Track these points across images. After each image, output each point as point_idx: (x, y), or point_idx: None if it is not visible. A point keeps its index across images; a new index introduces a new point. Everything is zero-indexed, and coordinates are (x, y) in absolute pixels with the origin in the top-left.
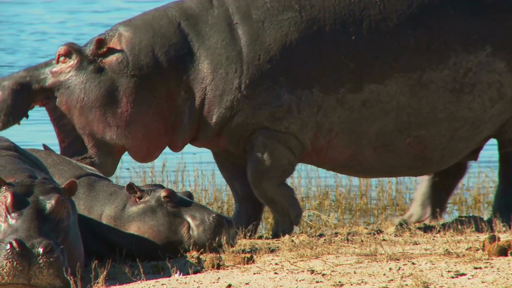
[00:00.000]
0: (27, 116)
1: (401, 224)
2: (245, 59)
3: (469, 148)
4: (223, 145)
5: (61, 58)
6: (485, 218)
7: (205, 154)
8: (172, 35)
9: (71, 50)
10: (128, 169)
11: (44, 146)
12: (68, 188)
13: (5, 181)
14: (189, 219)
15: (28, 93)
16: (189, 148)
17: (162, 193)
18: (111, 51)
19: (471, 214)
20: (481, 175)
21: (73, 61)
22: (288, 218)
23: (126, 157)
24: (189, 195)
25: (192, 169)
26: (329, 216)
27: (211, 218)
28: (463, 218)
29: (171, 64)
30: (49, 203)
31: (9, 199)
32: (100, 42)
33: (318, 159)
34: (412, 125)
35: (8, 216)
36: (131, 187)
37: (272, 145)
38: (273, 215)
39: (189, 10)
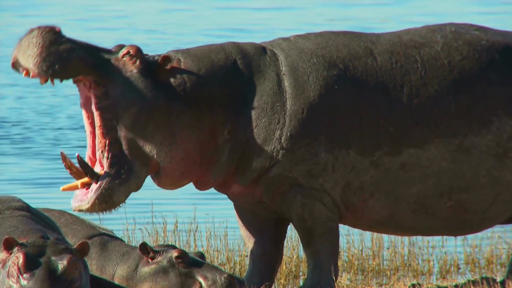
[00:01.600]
0: (60, 79)
1: (413, 285)
2: (289, 111)
3: (510, 211)
4: (258, 195)
5: (126, 57)
6: (498, 279)
7: (218, 214)
8: (228, 70)
9: (141, 53)
10: (140, 229)
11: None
12: (80, 249)
13: (17, 242)
14: (201, 280)
15: (85, 64)
16: (201, 208)
17: (174, 254)
18: (173, 71)
19: (484, 275)
20: (494, 236)
21: (137, 64)
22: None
23: (139, 218)
24: (201, 255)
25: (205, 229)
26: (341, 276)
27: (223, 279)
28: (476, 279)
29: (222, 101)
30: (61, 264)
31: (21, 260)
32: (167, 59)
33: (355, 219)
34: (453, 190)
35: (20, 277)
36: (144, 247)
37: (310, 203)
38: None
39: (245, 51)
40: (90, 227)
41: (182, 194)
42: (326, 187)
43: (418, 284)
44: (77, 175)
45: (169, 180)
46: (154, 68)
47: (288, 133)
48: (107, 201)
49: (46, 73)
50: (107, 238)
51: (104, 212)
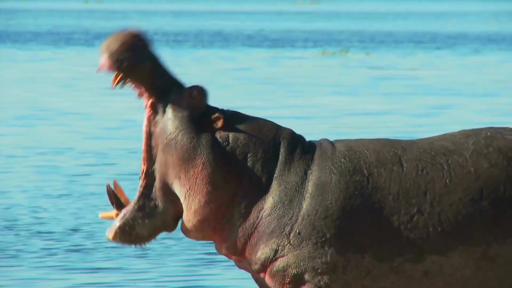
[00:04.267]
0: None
1: None
2: (304, 209)
3: None
4: (269, 283)
5: (188, 95)
6: None
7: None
8: (269, 150)
9: (202, 97)
10: None
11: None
12: None
13: None
14: None
15: (151, 80)
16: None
17: None
18: (222, 128)
19: None
20: None
21: (195, 105)
22: None
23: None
24: None
25: None
26: None
27: None
28: None
29: (251, 176)
30: None
31: None
32: (219, 120)
33: None
34: None
35: None
36: None
37: None
38: None
39: (293, 139)
40: None
41: None
42: (333, 287)
43: None
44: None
45: (190, 226)
46: (206, 118)
47: (297, 231)
48: (129, 233)
49: (114, 63)
50: None
51: (127, 244)
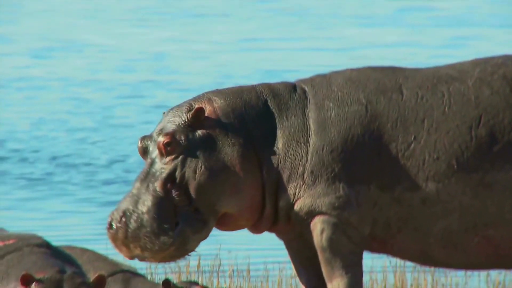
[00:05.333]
0: None
1: None
2: (311, 147)
3: None
4: (297, 230)
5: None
6: None
7: (241, 252)
8: (260, 109)
9: (172, 140)
10: (163, 266)
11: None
12: (97, 283)
13: (34, 277)
14: None
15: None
16: (225, 246)
17: None
18: (208, 119)
19: None
20: None
21: (178, 141)
22: None
23: None
24: None
25: (227, 266)
26: None
27: None
28: None
29: (258, 138)
30: None
31: None
32: (200, 112)
33: (386, 252)
34: (478, 225)
35: None
36: (167, 284)
37: (330, 232)
38: None
39: (275, 91)
40: (112, 264)
41: None
42: (353, 221)
43: None
44: None
45: (233, 223)
46: (192, 127)
47: (310, 169)
48: (181, 249)
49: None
50: (130, 275)
51: (174, 260)
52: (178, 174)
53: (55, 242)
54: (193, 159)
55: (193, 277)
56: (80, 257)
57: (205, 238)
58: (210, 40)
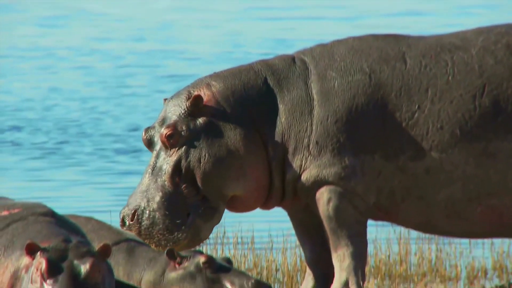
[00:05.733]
0: None
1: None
2: (315, 118)
3: None
4: (302, 204)
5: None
6: None
7: (245, 219)
8: (259, 88)
9: (173, 132)
10: None
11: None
12: (102, 251)
13: (39, 247)
14: (228, 285)
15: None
16: (229, 214)
17: (201, 259)
18: (208, 105)
19: (511, 281)
20: None
21: (181, 133)
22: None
23: None
24: (228, 260)
25: (232, 235)
26: (368, 282)
27: (250, 284)
28: (504, 285)
29: (262, 118)
30: (84, 268)
31: (44, 266)
32: (197, 100)
33: (390, 220)
34: (481, 195)
35: (44, 283)
36: (171, 253)
37: (337, 201)
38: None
39: (273, 67)
40: (116, 233)
41: None
42: (358, 191)
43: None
44: None
45: (242, 207)
46: (192, 115)
47: (315, 140)
48: (194, 239)
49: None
50: (134, 244)
51: (188, 248)
52: (183, 165)
53: (67, 213)
54: (196, 148)
55: (198, 246)
56: (85, 226)
57: (217, 223)
58: (219, 9)
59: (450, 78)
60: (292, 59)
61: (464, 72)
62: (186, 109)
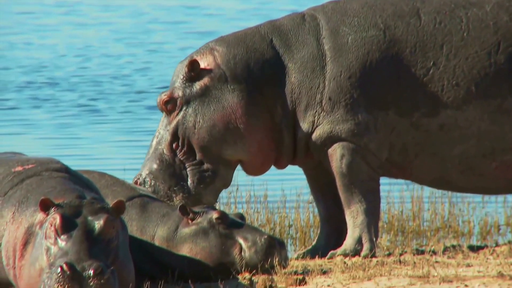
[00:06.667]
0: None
1: (453, 246)
2: (328, 74)
3: None
4: (315, 161)
5: (185, 76)
6: None
7: (257, 178)
8: (264, 50)
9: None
10: None
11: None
12: (116, 208)
13: (53, 202)
14: (241, 241)
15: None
16: (241, 171)
17: (214, 215)
18: (206, 70)
19: None
20: None
21: (177, 100)
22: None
23: None
24: (241, 216)
25: (245, 191)
26: (381, 237)
27: (263, 240)
28: None
29: (265, 79)
30: (98, 224)
31: (58, 221)
32: (193, 65)
33: (404, 177)
34: (496, 151)
35: (58, 238)
36: (183, 209)
37: (350, 158)
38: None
39: (281, 27)
40: (130, 188)
41: None
42: (371, 147)
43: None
44: None
45: (251, 170)
46: (189, 81)
47: (328, 96)
48: (196, 204)
49: None
50: (147, 200)
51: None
52: (180, 132)
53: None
54: (192, 114)
55: None
56: (98, 182)
57: (222, 187)
58: None
59: (465, 34)
60: (302, 17)
61: (479, 28)
62: (184, 75)
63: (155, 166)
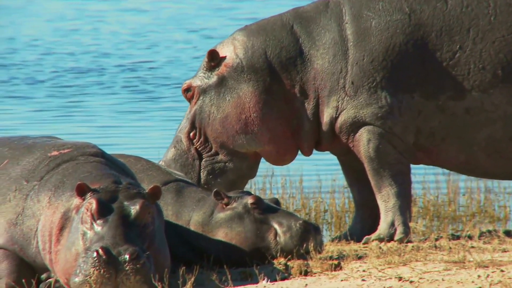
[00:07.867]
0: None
1: (489, 231)
2: (350, 59)
3: None
4: (343, 146)
5: (207, 65)
6: None
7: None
8: (283, 37)
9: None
10: None
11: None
12: (152, 193)
13: (90, 188)
14: (276, 226)
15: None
16: None
17: (249, 200)
18: (224, 59)
19: None
20: None
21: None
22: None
23: None
24: (276, 201)
25: (280, 175)
26: (417, 223)
27: (298, 225)
28: None
29: (283, 66)
30: (134, 209)
31: (94, 206)
32: (212, 54)
33: (431, 161)
34: None
35: (94, 223)
36: (218, 194)
37: (376, 141)
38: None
39: (304, 14)
40: (166, 173)
41: None
42: (396, 131)
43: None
44: None
45: (271, 160)
46: (208, 70)
47: (350, 81)
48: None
49: None
50: (183, 184)
51: None
52: (197, 121)
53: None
54: (208, 104)
55: (246, 186)
56: (134, 166)
57: (237, 179)
58: None
59: (492, 18)
60: (326, 3)
61: (506, 13)
62: (204, 65)
63: (170, 154)
